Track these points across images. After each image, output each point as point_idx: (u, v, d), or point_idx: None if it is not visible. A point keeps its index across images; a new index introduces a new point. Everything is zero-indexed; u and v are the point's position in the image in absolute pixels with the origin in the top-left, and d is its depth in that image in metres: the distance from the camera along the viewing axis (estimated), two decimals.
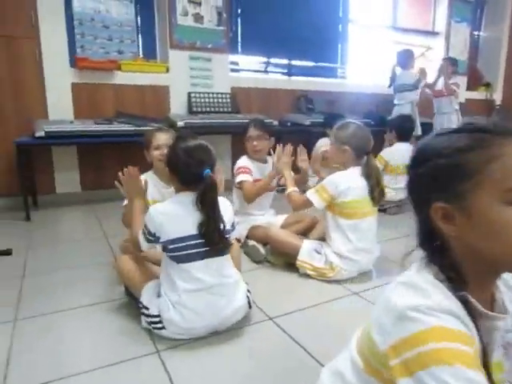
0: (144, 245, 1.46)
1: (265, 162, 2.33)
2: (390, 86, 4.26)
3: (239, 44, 4.20)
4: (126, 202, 1.82)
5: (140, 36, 3.78)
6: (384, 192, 1.90)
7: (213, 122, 3.51)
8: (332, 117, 3.69)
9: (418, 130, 4.05)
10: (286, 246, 1.97)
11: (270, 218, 2.34)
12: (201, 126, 3.42)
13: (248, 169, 2.22)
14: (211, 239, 1.35)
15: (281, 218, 2.33)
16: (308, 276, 1.89)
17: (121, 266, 1.59)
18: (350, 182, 1.81)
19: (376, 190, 1.84)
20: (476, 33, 6.06)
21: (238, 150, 3.92)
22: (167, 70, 3.69)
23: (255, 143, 2.22)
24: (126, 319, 1.54)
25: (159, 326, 1.38)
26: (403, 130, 3.18)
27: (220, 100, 3.85)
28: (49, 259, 2.17)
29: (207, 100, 3.79)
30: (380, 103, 4.79)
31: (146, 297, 1.45)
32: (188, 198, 1.38)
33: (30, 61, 3.13)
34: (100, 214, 3.04)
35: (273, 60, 4.50)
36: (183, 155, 1.37)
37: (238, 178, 2.20)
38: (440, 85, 4.41)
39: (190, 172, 1.36)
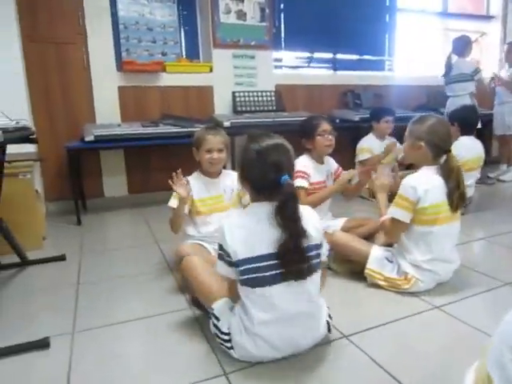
0: (223, 269, 1.21)
1: (322, 162, 2.17)
2: (444, 76, 3.95)
3: (282, 40, 4.05)
4: (171, 202, 1.77)
5: (183, 36, 3.73)
6: (464, 197, 1.66)
7: (259, 121, 3.39)
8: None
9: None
10: (352, 252, 1.79)
11: (328, 222, 2.17)
12: (247, 126, 3.30)
13: (306, 173, 2.07)
14: (290, 261, 1.13)
15: (340, 221, 2.16)
16: (377, 286, 1.71)
17: (187, 270, 1.47)
18: (427, 183, 1.60)
19: (455, 194, 1.60)
20: None
21: None
22: (211, 70, 3.61)
23: (331, 137, 2.09)
24: (188, 334, 1.43)
25: (228, 345, 1.24)
26: (468, 122, 2.88)
27: (265, 98, 3.73)
28: (102, 265, 2.14)
29: (252, 99, 3.68)
30: (431, 95, 4.49)
31: (219, 307, 1.31)
32: (263, 209, 1.17)
33: (78, 66, 3.15)
34: (148, 218, 3.01)
35: (317, 55, 4.31)
36: (256, 158, 1.17)
37: (296, 183, 2.03)
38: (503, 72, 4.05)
39: (265, 178, 1.16)
